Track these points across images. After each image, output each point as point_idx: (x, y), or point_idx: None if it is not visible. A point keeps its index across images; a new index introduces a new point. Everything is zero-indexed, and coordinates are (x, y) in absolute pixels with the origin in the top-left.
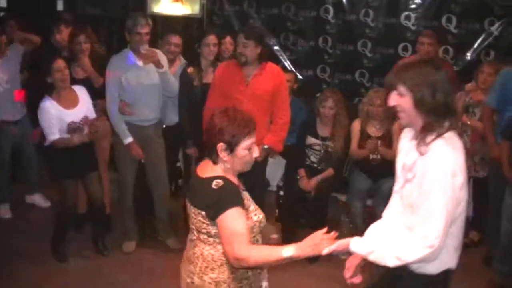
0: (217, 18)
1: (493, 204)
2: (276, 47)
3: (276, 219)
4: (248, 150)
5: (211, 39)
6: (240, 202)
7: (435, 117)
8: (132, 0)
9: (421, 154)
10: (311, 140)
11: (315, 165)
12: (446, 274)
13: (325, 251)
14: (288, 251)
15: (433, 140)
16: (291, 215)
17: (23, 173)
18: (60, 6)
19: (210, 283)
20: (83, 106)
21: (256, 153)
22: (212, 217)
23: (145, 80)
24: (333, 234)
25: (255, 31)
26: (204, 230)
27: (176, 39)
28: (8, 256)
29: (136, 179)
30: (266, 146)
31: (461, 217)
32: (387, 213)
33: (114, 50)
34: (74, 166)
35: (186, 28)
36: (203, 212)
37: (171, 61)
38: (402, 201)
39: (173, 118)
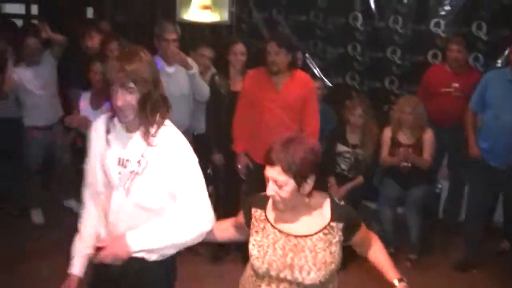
0: (245, 26)
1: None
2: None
3: None
4: None
5: (239, 48)
6: None
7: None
8: (160, 7)
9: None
10: (341, 147)
11: (345, 172)
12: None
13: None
14: None
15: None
16: None
17: (59, 178)
18: (90, 14)
19: None
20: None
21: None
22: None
23: (174, 87)
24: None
25: (286, 39)
26: None
27: (208, 52)
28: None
29: None
30: None
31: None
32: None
33: None
34: None
35: (214, 36)
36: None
37: (202, 73)
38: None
39: (202, 126)
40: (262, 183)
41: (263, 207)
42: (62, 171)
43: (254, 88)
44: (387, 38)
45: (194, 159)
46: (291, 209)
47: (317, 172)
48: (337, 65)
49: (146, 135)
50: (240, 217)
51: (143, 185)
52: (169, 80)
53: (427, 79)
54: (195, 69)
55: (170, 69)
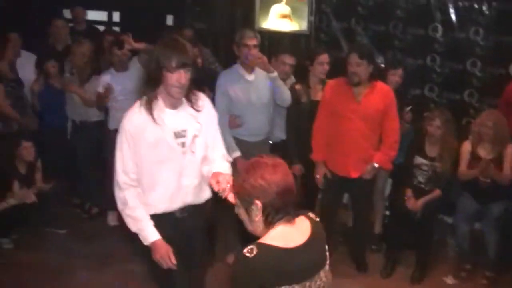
0: (324, 35)
1: None
2: (383, 65)
3: (380, 238)
4: None
5: (324, 57)
6: None
7: None
8: (239, 15)
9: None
10: (419, 160)
11: (422, 185)
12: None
13: None
14: None
15: None
16: (396, 235)
17: None
18: (169, 21)
19: None
20: None
21: None
22: None
23: (254, 94)
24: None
25: (368, 50)
26: None
27: (290, 60)
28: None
29: None
30: (376, 165)
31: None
32: None
33: (221, 65)
34: None
35: (293, 45)
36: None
37: (283, 81)
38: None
39: (280, 135)
40: (338, 193)
41: None
42: None
43: (334, 98)
44: (467, 50)
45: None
46: (256, 235)
47: (262, 198)
48: (415, 76)
49: (193, 104)
50: None
51: (201, 142)
52: (249, 87)
53: (508, 93)
54: (276, 72)
55: (250, 77)
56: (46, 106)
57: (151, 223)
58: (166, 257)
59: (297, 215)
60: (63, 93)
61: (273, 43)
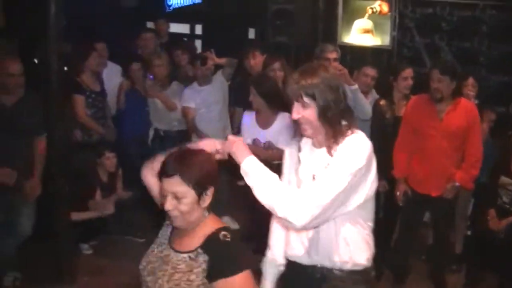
0: (407, 50)
1: None
2: None
3: (461, 258)
4: None
5: (408, 72)
6: None
7: (338, 122)
8: (321, 29)
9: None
10: (504, 180)
11: (507, 205)
12: None
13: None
14: None
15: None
16: (477, 256)
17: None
18: (251, 34)
19: None
20: (275, 130)
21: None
22: None
23: None
24: None
25: (450, 66)
26: None
27: (373, 72)
28: None
29: None
30: (457, 184)
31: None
32: None
33: None
34: None
35: (375, 60)
36: None
37: (365, 94)
38: None
39: None
40: (419, 211)
41: None
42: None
43: (416, 114)
44: None
45: (349, 166)
46: (186, 225)
47: (215, 184)
48: (500, 94)
49: (330, 149)
50: None
51: None
52: None
53: None
54: (356, 85)
55: None
56: (129, 112)
57: None
58: None
59: None
60: (145, 100)
61: (355, 58)
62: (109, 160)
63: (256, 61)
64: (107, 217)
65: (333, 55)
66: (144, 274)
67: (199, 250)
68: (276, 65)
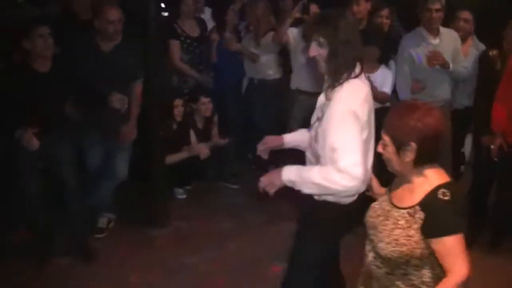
0: None
1: None
2: None
3: None
4: None
5: None
6: None
7: (345, 65)
8: None
9: (327, 98)
10: None
11: None
12: None
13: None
14: None
15: (338, 85)
16: None
17: None
18: None
19: None
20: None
21: None
22: None
23: None
24: None
25: None
26: None
27: (465, 14)
28: None
29: None
30: None
31: None
32: None
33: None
34: None
35: (484, 6)
36: None
37: (462, 39)
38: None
39: (462, 101)
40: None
41: None
42: None
43: None
44: None
45: (347, 117)
46: (400, 174)
47: (420, 142)
48: None
49: (328, 91)
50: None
51: (318, 133)
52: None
53: None
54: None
55: (435, 40)
56: (223, 60)
57: None
58: None
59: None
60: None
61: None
62: (205, 105)
63: (360, 7)
64: (202, 163)
65: (436, 6)
66: (368, 226)
67: (417, 207)
68: (384, 12)
